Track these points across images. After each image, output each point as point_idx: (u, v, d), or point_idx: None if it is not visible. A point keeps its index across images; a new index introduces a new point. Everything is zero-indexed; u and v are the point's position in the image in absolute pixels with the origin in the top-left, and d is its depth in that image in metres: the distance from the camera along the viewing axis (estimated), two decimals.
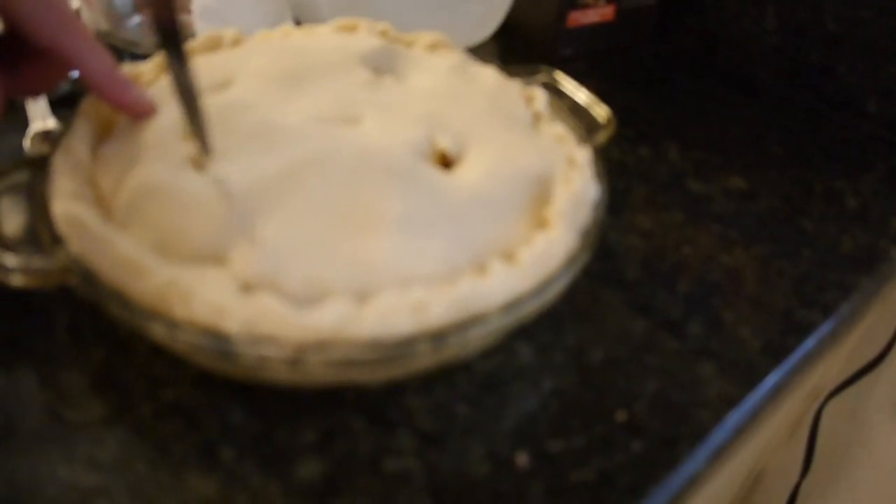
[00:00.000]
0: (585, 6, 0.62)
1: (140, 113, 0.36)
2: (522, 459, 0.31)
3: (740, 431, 0.35)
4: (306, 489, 0.29)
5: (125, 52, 0.57)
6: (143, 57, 0.42)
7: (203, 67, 0.41)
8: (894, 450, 0.72)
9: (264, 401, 0.33)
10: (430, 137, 0.37)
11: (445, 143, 0.37)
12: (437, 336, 0.29)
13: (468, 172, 0.36)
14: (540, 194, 0.36)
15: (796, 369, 0.38)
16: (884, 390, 0.70)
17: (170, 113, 0.37)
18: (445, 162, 0.37)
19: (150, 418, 0.32)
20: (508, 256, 0.32)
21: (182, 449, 0.31)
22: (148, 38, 0.58)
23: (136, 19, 0.59)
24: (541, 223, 0.35)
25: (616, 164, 0.51)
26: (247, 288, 0.29)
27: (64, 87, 0.50)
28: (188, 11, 0.53)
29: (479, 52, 0.64)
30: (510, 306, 0.30)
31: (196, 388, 0.33)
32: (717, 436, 0.34)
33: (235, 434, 0.31)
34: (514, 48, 0.66)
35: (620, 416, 0.34)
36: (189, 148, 0.34)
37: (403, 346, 0.28)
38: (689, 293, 0.41)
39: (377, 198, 0.32)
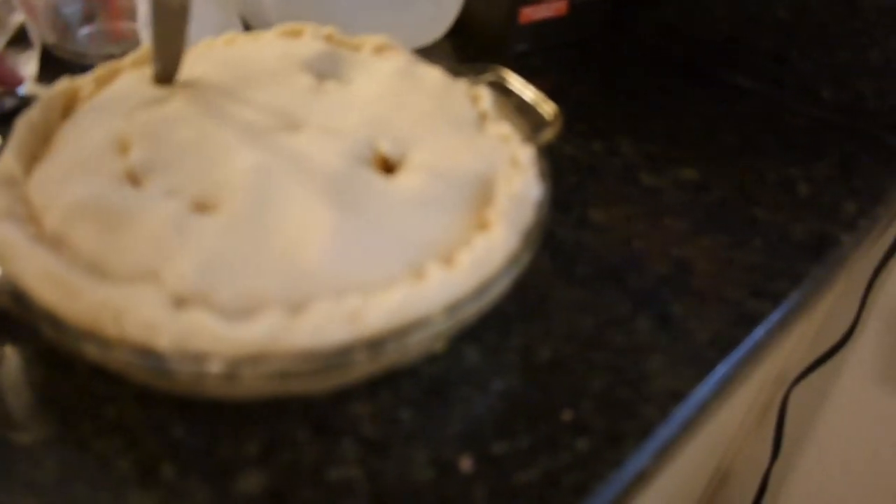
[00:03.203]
0: (537, 1, 0.62)
1: None
2: (466, 463, 0.31)
3: (687, 426, 0.35)
4: (248, 502, 0.29)
5: (74, 63, 0.57)
6: (92, 68, 0.41)
7: (142, 81, 0.40)
8: (860, 430, 0.72)
9: (208, 415, 0.33)
10: (372, 142, 0.37)
11: (387, 148, 0.37)
12: (374, 344, 0.29)
13: (409, 176, 0.36)
14: (482, 195, 0.36)
15: (745, 360, 0.39)
16: (848, 373, 0.71)
17: (106, 127, 0.36)
18: (388, 166, 0.37)
19: (91, 437, 0.31)
20: (447, 260, 0.32)
21: (123, 467, 0.30)
22: (97, 49, 0.58)
23: (86, 29, 0.59)
24: (482, 225, 0.34)
25: (568, 160, 0.51)
26: (180, 303, 0.29)
27: (9, 103, 0.49)
28: (133, 20, 0.52)
29: (434, 51, 0.64)
30: (448, 310, 0.30)
31: (138, 406, 0.33)
32: (664, 432, 0.34)
33: (178, 449, 0.31)
34: (468, 46, 0.65)
35: (566, 415, 0.34)
36: (124, 162, 0.34)
37: (340, 356, 0.28)
38: (638, 288, 0.41)
39: (312, 207, 0.32)
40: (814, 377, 0.72)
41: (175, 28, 0.36)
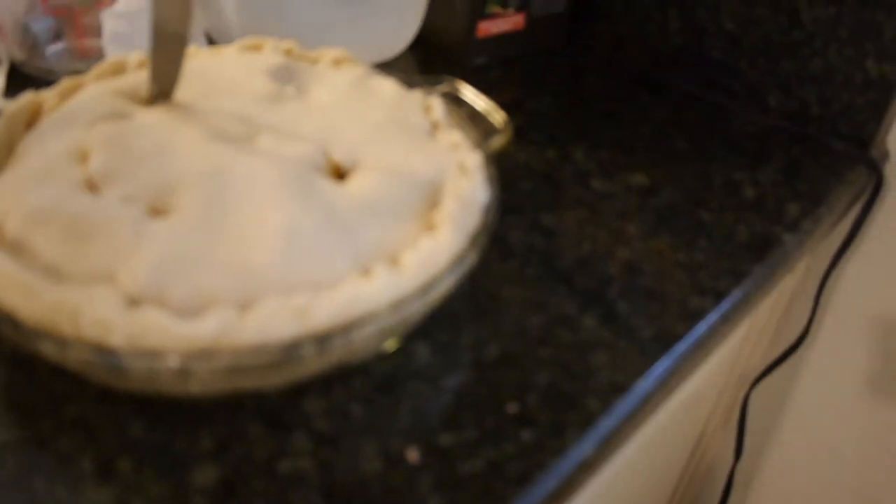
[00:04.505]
0: (494, 16, 0.64)
1: None
2: (413, 455, 0.33)
3: (630, 418, 0.37)
4: (202, 494, 0.30)
5: (42, 80, 0.58)
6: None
7: (104, 93, 0.42)
8: (821, 429, 0.74)
9: (166, 413, 0.34)
10: (325, 150, 0.39)
11: (339, 155, 0.39)
12: (321, 339, 0.30)
13: (359, 182, 0.37)
14: (430, 200, 0.37)
15: (687, 355, 0.40)
16: (806, 373, 0.73)
17: (67, 138, 0.38)
18: (340, 173, 0.39)
19: (51, 435, 0.32)
20: (394, 260, 0.34)
21: (81, 463, 0.31)
22: (65, 65, 0.59)
23: (55, 47, 0.60)
24: (429, 227, 0.36)
25: (523, 167, 0.53)
26: (134, 303, 0.30)
27: None
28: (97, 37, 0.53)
29: (397, 64, 0.66)
30: (393, 308, 0.32)
31: (99, 404, 0.34)
32: (606, 423, 0.35)
33: (135, 446, 0.32)
34: (430, 59, 0.67)
35: (512, 408, 0.35)
36: (83, 170, 0.35)
37: (287, 351, 0.30)
38: (586, 288, 0.43)
39: (264, 210, 0.33)
40: (773, 378, 0.74)
41: (173, 54, 0.39)
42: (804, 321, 0.68)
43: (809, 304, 0.68)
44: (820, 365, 0.72)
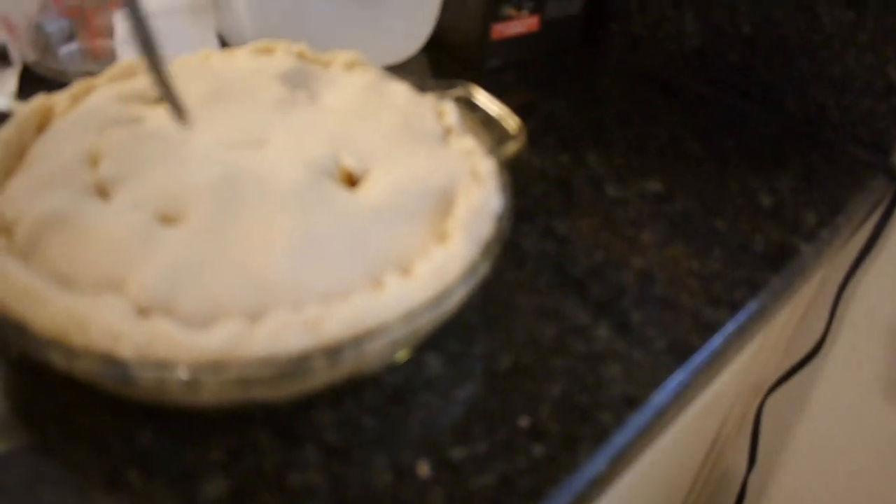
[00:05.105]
0: (509, 18, 0.63)
1: None
2: (424, 468, 0.32)
3: (643, 432, 0.36)
4: None
5: (55, 81, 0.58)
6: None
7: (116, 97, 0.41)
8: (836, 438, 0.73)
9: (176, 423, 0.33)
10: (336, 157, 0.38)
11: (350, 162, 0.38)
12: (332, 351, 0.30)
13: (371, 189, 0.37)
14: (442, 207, 0.37)
15: (702, 368, 0.40)
16: (822, 382, 0.72)
17: (78, 142, 0.37)
18: (352, 180, 0.38)
19: (60, 443, 0.32)
20: (405, 270, 0.33)
21: (90, 473, 0.31)
22: (77, 66, 0.59)
23: (68, 48, 0.60)
24: (442, 236, 0.36)
25: (536, 172, 0.53)
26: (143, 313, 0.30)
27: None
28: (110, 38, 0.53)
29: (410, 67, 0.65)
30: (405, 319, 0.31)
31: (109, 414, 0.34)
32: (619, 438, 0.35)
33: (144, 456, 0.32)
34: (443, 62, 0.67)
35: (524, 421, 0.35)
36: (93, 175, 0.35)
37: (298, 363, 0.29)
38: (599, 297, 0.42)
39: (273, 219, 0.33)
40: (788, 387, 0.73)
41: None
42: (820, 330, 0.68)
43: (826, 313, 0.67)
44: (835, 374, 0.71)
